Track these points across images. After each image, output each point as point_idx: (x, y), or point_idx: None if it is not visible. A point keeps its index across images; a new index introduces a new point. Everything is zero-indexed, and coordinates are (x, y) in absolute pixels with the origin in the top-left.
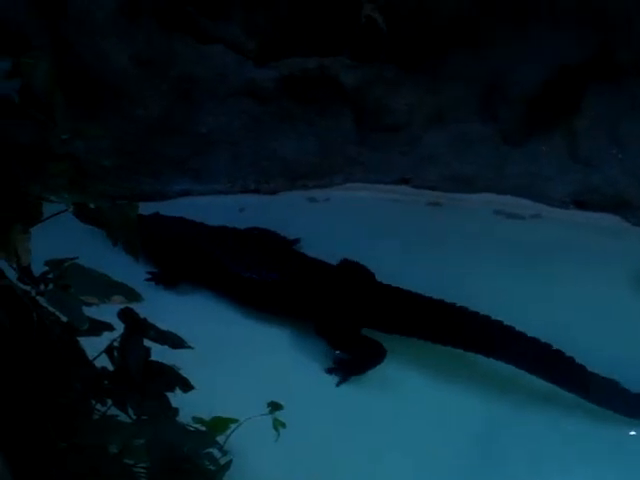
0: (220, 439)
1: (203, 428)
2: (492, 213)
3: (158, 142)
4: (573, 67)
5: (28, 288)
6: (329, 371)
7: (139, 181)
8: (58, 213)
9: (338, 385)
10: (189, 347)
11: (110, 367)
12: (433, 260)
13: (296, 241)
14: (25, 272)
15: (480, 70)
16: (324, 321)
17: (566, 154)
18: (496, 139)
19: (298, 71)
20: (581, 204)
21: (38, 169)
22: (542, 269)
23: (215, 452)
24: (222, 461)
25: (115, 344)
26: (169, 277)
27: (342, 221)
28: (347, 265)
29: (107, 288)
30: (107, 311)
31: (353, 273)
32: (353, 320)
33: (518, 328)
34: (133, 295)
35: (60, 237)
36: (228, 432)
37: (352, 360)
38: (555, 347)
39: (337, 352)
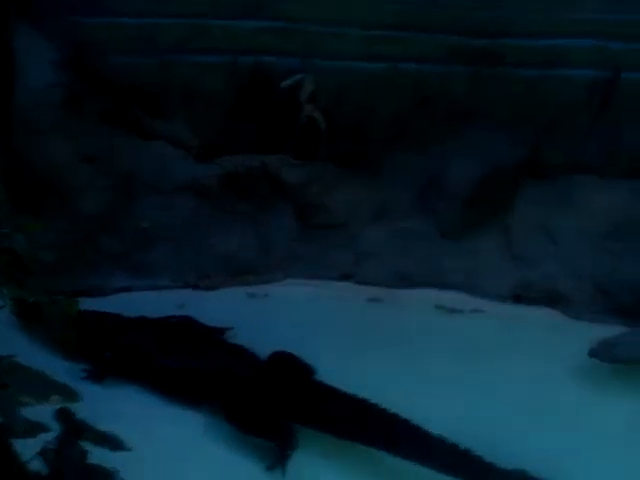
0: None
1: None
2: (432, 308)
3: (98, 237)
4: (506, 166)
5: None
6: (269, 468)
7: (78, 276)
8: None
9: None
10: (128, 449)
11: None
12: (371, 358)
13: (225, 330)
14: None
15: (417, 168)
16: (235, 408)
17: (503, 250)
18: (434, 234)
19: (241, 168)
20: (519, 298)
21: None
22: (482, 365)
23: None
24: None
25: (50, 446)
26: (101, 372)
27: (281, 317)
28: (278, 357)
29: (45, 388)
30: (43, 410)
31: (281, 365)
32: (266, 408)
33: (456, 424)
34: (71, 395)
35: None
36: None
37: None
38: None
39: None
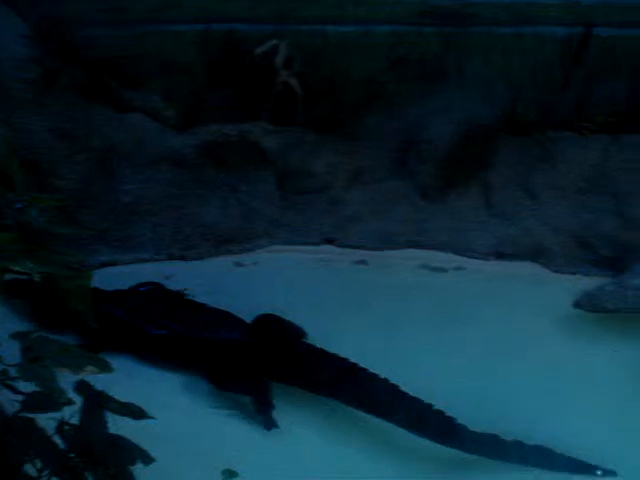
0: None
1: None
2: (416, 268)
3: (79, 214)
4: (483, 124)
5: None
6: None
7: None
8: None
9: (270, 429)
10: (151, 417)
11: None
12: (360, 318)
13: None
14: None
15: (393, 130)
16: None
17: (483, 207)
18: (415, 196)
19: (218, 137)
20: (501, 255)
21: None
22: (468, 319)
23: None
24: None
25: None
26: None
27: (269, 284)
28: (265, 320)
29: (79, 359)
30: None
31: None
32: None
33: (442, 382)
34: (105, 365)
35: None
36: None
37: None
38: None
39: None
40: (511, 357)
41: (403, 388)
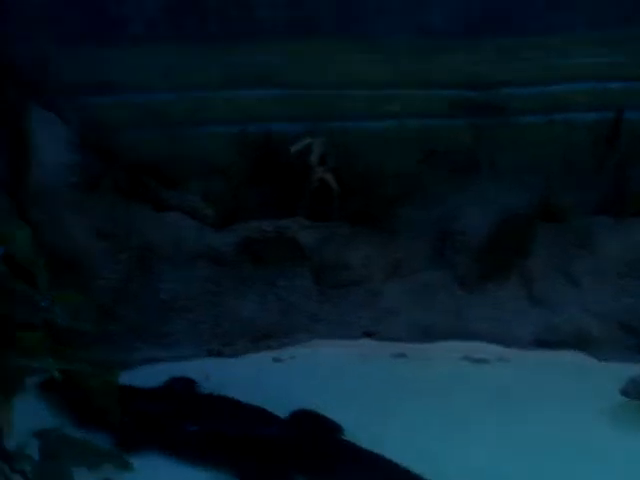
0: None
1: None
2: (458, 359)
3: (119, 311)
4: (519, 213)
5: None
6: None
7: (101, 350)
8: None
9: None
10: None
11: None
12: (400, 413)
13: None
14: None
15: (429, 222)
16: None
17: (523, 296)
18: (453, 286)
19: (256, 233)
20: (544, 344)
21: (11, 340)
22: (513, 412)
23: None
24: None
25: None
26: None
27: (307, 379)
28: (298, 415)
29: (97, 457)
30: None
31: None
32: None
33: (488, 472)
34: (123, 464)
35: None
36: None
37: None
38: None
39: None
40: (558, 450)
41: None
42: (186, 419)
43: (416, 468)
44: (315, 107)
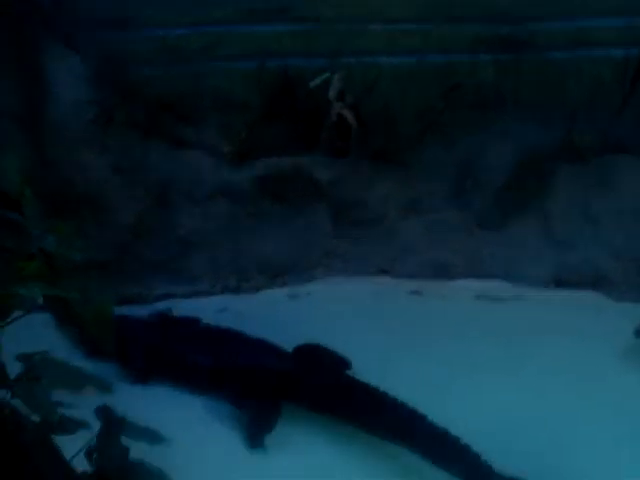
0: None
1: None
2: (473, 298)
3: (136, 247)
4: (540, 151)
5: None
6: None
7: (119, 286)
8: (29, 311)
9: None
10: (166, 441)
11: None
12: (416, 350)
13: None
14: None
15: (449, 159)
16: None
17: (542, 235)
18: (471, 224)
19: (273, 171)
20: (561, 283)
21: (10, 268)
22: (527, 350)
23: None
24: None
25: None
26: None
27: (323, 315)
28: (303, 349)
29: (78, 379)
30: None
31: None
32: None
33: (498, 411)
34: (105, 387)
35: (31, 339)
36: None
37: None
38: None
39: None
40: (572, 389)
41: (443, 423)
42: (193, 351)
43: (423, 407)
44: (334, 42)
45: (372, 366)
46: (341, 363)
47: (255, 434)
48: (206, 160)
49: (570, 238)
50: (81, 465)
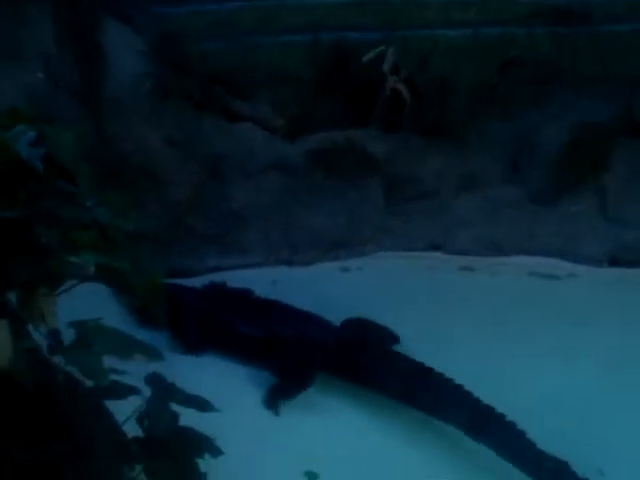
0: None
1: None
2: (526, 275)
3: (190, 219)
4: (599, 126)
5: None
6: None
7: (173, 258)
8: (84, 280)
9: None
10: (216, 410)
11: (139, 432)
12: (467, 325)
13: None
14: (52, 334)
15: (507, 133)
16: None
17: (598, 212)
18: (526, 201)
19: (326, 144)
20: (616, 261)
21: (64, 238)
22: (580, 329)
23: None
24: None
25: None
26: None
27: (375, 290)
28: (351, 323)
29: (128, 347)
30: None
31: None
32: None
33: (552, 391)
34: (154, 354)
35: (85, 308)
36: None
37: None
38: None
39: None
40: (624, 369)
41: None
42: (243, 322)
43: (471, 382)
44: (388, 15)
45: (420, 341)
46: (389, 338)
47: (273, 397)
48: (259, 134)
49: (627, 216)
50: (132, 431)
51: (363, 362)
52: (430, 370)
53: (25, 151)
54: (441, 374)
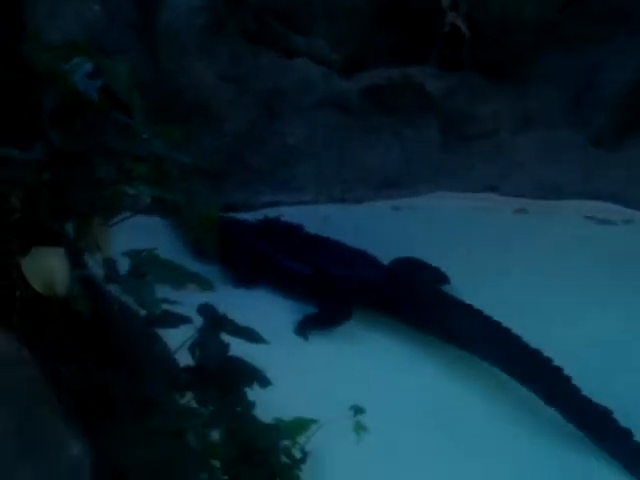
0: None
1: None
2: (582, 219)
3: (245, 155)
4: None
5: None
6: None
7: (226, 192)
8: (138, 212)
9: (306, 339)
10: (266, 342)
11: (190, 361)
12: (520, 268)
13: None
14: (107, 264)
15: (568, 73)
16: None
17: None
18: (586, 143)
19: (383, 80)
20: None
21: (120, 170)
22: (633, 277)
23: (295, 452)
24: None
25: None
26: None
27: (426, 229)
28: (401, 262)
29: (181, 276)
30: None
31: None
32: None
33: (599, 338)
34: (206, 284)
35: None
36: (309, 433)
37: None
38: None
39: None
40: None
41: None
42: (293, 258)
43: (518, 328)
44: None
45: (470, 282)
46: (439, 277)
47: (304, 325)
48: (315, 69)
49: None
50: (184, 359)
51: (410, 301)
52: (478, 312)
53: (82, 83)
54: (488, 317)
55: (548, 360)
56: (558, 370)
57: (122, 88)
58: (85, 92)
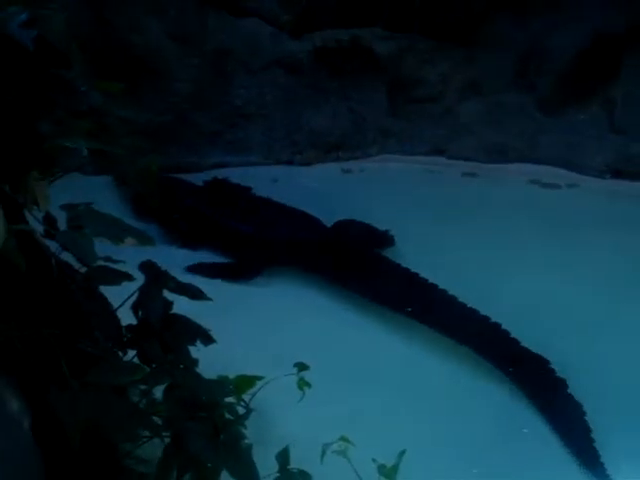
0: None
1: None
2: (527, 183)
3: (193, 116)
4: (611, 35)
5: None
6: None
7: (175, 154)
8: (79, 167)
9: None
10: (208, 299)
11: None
12: (465, 230)
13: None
14: (47, 219)
15: (516, 39)
16: None
17: (604, 123)
18: (532, 108)
19: (331, 42)
20: (619, 173)
21: (60, 124)
22: (576, 239)
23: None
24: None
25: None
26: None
27: (375, 192)
28: (342, 224)
29: (120, 231)
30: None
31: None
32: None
33: (541, 299)
34: (146, 239)
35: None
36: (253, 390)
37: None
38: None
39: None
40: (620, 280)
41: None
42: (234, 219)
43: (462, 291)
44: None
45: (416, 245)
46: (382, 240)
47: (201, 268)
48: (264, 29)
49: (632, 128)
50: (127, 319)
51: (345, 263)
52: (414, 275)
53: (17, 32)
54: (425, 279)
55: (485, 318)
56: (496, 326)
57: (59, 39)
58: (20, 42)
